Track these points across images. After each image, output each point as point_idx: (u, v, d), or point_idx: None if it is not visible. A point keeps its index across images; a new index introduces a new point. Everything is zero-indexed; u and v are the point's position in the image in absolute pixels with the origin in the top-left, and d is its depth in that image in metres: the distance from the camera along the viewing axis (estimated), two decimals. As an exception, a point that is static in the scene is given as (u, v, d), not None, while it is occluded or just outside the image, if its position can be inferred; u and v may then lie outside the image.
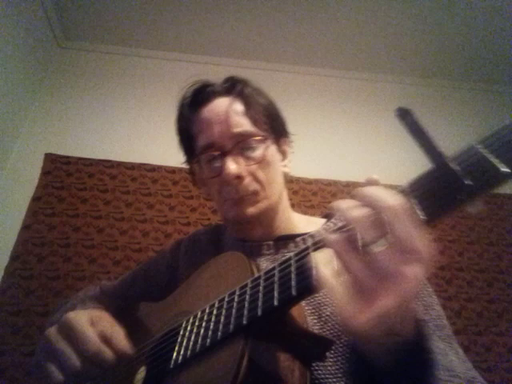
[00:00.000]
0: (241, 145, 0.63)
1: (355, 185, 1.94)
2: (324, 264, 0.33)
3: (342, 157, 2.05)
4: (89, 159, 1.83)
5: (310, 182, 1.91)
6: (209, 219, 1.77)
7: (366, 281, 0.30)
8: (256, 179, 0.63)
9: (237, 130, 0.63)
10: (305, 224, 0.71)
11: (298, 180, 1.88)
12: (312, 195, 1.88)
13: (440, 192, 0.30)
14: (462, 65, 2.27)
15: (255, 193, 0.63)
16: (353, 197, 0.33)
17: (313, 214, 0.79)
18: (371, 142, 2.13)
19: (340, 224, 0.34)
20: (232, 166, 0.61)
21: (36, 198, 1.70)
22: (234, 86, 0.68)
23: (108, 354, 0.47)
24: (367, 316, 0.29)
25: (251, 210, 0.63)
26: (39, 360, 0.50)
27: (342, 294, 0.31)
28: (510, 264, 1.86)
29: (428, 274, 0.30)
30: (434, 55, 2.22)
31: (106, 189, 1.78)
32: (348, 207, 0.33)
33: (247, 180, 0.62)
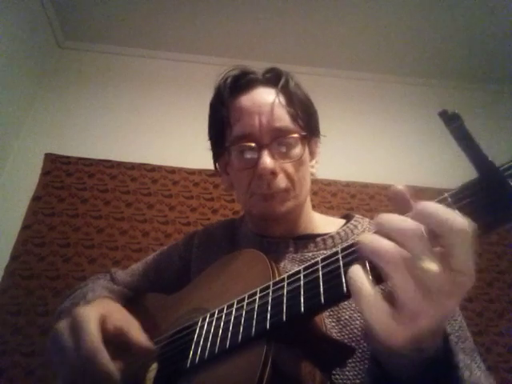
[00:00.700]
0: (278, 140, 0.61)
1: (355, 185, 1.94)
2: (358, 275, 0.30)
3: (342, 157, 2.04)
4: (89, 159, 1.83)
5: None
6: (209, 219, 1.77)
7: (411, 298, 0.28)
8: (289, 177, 0.62)
9: (278, 124, 0.61)
10: (324, 224, 0.70)
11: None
12: (312, 195, 1.86)
13: (489, 205, 0.28)
14: (461, 65, 2.27)
15: (286, 190, 0.62)
16: (412, 214, 0.30)
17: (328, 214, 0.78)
18: (371, 141, 2.13)
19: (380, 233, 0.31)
20: (268, 160, 0.59)
21: (36, 198, 1.70)
22: (277, 78, 0.66)
23: (102, 357, 0.45)
24: (405, 335, 0.28)
25: (280, 208, 0.61)
26: (50, 352, 0.50)
27: (380, 310, 0.28)
28: (510, 264, 1.86)
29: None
30: (434, 56, 2.22)
31: (106, 189, 1.78)
32: (400, 220, 0.30)
33: (280, 177, 0.61)
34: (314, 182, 1.92)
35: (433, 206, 0.28)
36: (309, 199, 0.72)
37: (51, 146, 1.84)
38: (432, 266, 0.27)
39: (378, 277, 0.30)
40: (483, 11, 1.94)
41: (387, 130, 2.18)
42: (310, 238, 0.65)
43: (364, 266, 0.31)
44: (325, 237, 0.65)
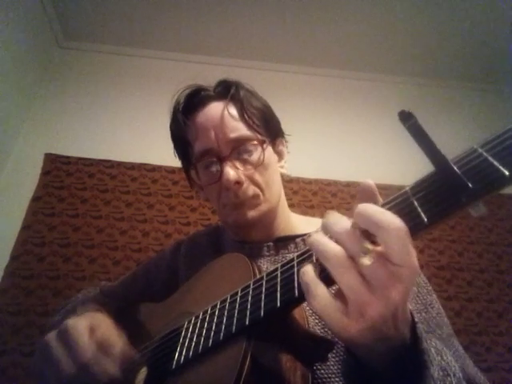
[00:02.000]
0: (238, 150, 0.63)
1: (355, 185, 1.94)
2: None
3: (342, 157, 2.05)
4: (89, 159, 1.82)
5: (309, 181, 1.91)
6: (209, 219, 1.77)
7: (355, 293, 0.30)
8: (255, 183, 0.63)
9: (233, 135, 0.63)
10: (304, 224, 0.71)
11: (297, 180, 1.88)
12: (312, 195, 1.88)
13: (442, 195, 0.30)
14: (461, 65, 2.27)
15: (255, 196, 0.63)
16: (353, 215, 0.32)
17: (313, 215, 0.79)
18: (371, 141, 2.13)
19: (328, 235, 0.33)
20: (231, 171, 0.60)
21: (36, 198, 1.70)
22: (227, 90, 0.67)
23: (102, 363, 0.45)
24: (358, 328, 0.30)
25: (252, 214, 0.63)
26: (37, 365, 0.50)
27: (330, 307, 0.31)
28: (510, 264, 1.86)
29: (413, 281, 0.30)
30: (434, 55, 2.22)
31: (106, 189, 1.78)
32: (336, 222, 0.32)
33: (246, 184, 0.62)
34: (315, 182, 1.93)
35: (365, 208, 0.30)
36: (284, 200, 0.73)
37: (51, 146, 1.84)
38: (367, 261, 0.29)
39: (330, 277, 0.32)
40: (483, 11, 1.94)
41: (387, 129, 2.18)
42: (290, 239, 0.66)
43: (315, 266, 0.33)
44: (304, 237, 0.66)
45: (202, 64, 2.15)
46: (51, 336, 0.49)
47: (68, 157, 1.82)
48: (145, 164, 1.85)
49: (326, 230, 0.33)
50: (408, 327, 0.35)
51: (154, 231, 1.71)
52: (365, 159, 2.05)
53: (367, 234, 0.30)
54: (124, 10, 1.99)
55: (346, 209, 1.84)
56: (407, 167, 2.04)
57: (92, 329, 0.50)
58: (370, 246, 0.30)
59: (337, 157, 2.05)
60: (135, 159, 1.86)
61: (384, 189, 1.89)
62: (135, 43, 2.17)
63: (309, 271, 0.33)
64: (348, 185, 1.94)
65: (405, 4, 1.93)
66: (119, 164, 1.83)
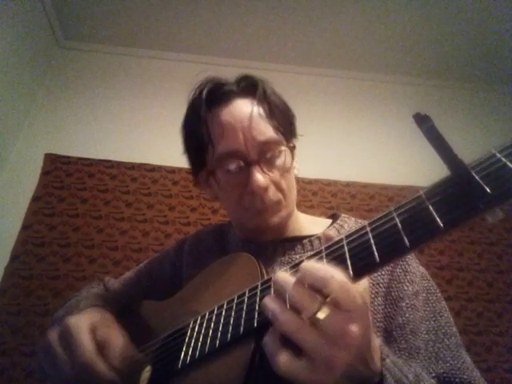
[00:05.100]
0: (265, 153, 0.61)
1: (355, 185, 1.94)
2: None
3: (341, 157, 2.05)
4: (89, 159, 1.83)
5: (310, 181, 1.91)
6: (209, 219, 1.77)
7: (317, 349, 0.30)
8: (279, 188, 0.62)
9: (263, 138, 0.60)
10: (310, 224, 0.71)
11: (298, 180, 1.88)
12: (312, 195, 1.87)
13: (459, 200, 0.30)
14: (462, 65, 2.27)
15: (278, 202, 0.62)
16: (298, 273, 0.33)
17: (313, 214, 0.78)
18: (371, 142, 2.13)
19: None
20: (260, 177, 0.58)
21: (36, 198, 1.70)
22: (253, 87, 0.64)
23: (100, 366, 0.46)
24: (330, 381, 0.31)
25: (274, 220, 0.62)
26: (40, 362, 0.50)
27: (296, 370, 0.31)
28: (510, 264, 1.86)
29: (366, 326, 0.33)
30: (435, 56, 2.22)
31: (106, 189, 1.78)
32: (287, 282, 0.34)
33: (272, 190, 0.61)
34: (315, 182, 1.93)
35: (310, 267, 0.32)
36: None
37: (51, 145, 1.84)
38: (320, 315, 0.30)
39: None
40: (483, 11, 1.94)
41: (388, 130, 2.18)
42: (297, 240, 0.65)
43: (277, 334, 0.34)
44: (311, 238, 0.65)
45: (203, 64, 2.15)
46: (53, 334, 0.49)
47: (68, 157, 1.82)
48: (145, 164, 1.85)
49: (278, 293, 0.34)
50: (379, 360, 0.36)
51: (153, 231, 1.71)
52: (365, 159, 2.05)
53: (314, 289, 0.31)
54: (124, 10, 1.99)
55: (347, 209, 1.84)
56: (407, 167, 2.04)
57: (93, 328, 0.50)
58: (318, 302, 0.31)
59: (337, 157, 2.04)
60: (135, 159, 1.86)
61: (384, 189, 1.89)
62: (135, 43, 2.17)
63: (269, 341, 0.33)
64: (348, 185, 1.94)
65: (410, 5, 1.93)
66: (119, 164, 1.83)
